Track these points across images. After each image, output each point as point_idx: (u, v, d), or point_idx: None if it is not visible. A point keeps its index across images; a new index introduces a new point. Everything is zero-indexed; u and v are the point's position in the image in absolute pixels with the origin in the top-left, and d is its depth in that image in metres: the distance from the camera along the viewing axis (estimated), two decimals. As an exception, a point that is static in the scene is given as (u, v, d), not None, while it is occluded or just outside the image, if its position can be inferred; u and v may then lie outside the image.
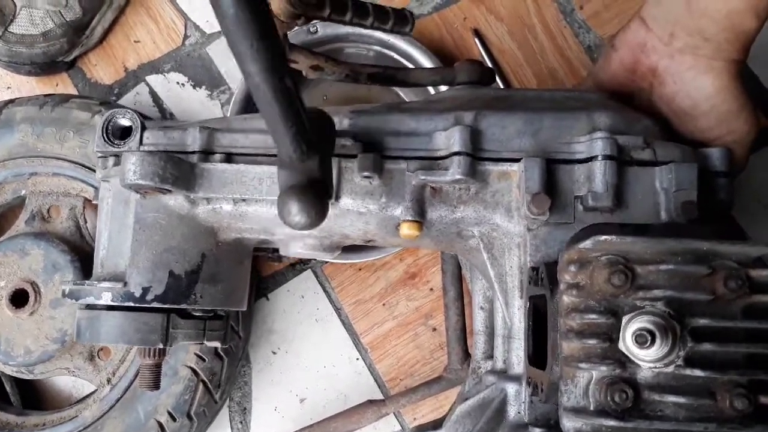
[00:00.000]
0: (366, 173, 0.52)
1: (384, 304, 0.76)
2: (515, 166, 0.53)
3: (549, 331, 0.43)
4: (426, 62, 0.74)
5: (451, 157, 0.52)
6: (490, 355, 0.63)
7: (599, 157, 0.51)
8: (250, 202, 0.55)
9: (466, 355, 0.70)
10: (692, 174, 0.51)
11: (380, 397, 0.73)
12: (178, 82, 0.81)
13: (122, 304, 0.54)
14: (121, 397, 0.69)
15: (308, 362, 0.74)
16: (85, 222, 0.74)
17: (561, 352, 0.41)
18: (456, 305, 0.72)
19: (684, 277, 0.38)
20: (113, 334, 0.55)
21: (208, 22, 0.81)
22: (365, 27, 0.50)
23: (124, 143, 0.55)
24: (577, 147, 0.53)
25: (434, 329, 0.75)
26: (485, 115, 0.54)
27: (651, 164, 0.52)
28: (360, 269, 0.76)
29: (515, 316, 0.53)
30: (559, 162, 0.52)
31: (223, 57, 0.80)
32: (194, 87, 0.81)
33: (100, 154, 0.57)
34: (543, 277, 0.46)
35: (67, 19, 0.75)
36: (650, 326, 0.36)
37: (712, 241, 0.38)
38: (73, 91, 0.81)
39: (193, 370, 0.68)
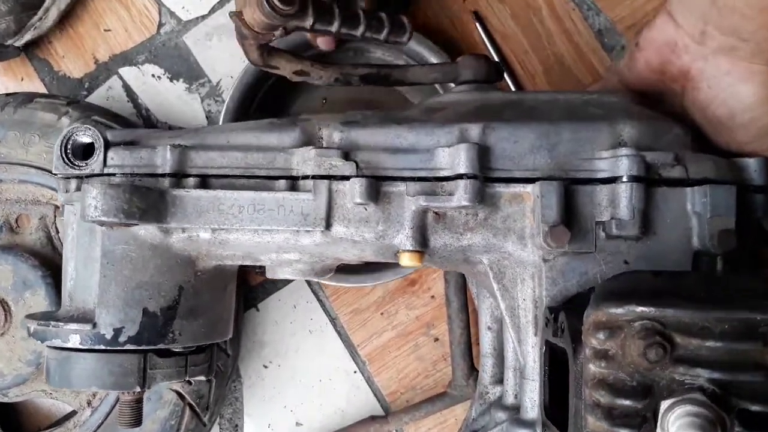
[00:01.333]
0: (360, 201, 0.46)
1: (382, 314, 0.71)
2: (529, 188, 0.47)
3: (571, 396, 0.38)
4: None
5: (456, 180, 0.46)
6: (499, 380, 0.59)
7: (624, 178, 0.45)
8: (230, 229, 0.48)
9: (472, 371, 0.66)
10: (730, 198, 0.45)
11: (380, 412, 0.69)
12: (153, 75, 0.73)
13: (92, 347, 0.49)
14: (103, 422, 0.65)
15: (302, 376, 0.70)
16: (57, 232, 0.67)
17: (586, 426, 0.36)
18: (460, 317, 0.67)
19: (733, 353, 0.33)
20: (85, 378, 0.50)
21: (185, 8, 0.73)
22: (355, 38, 0.42)
23: (86, 164, 0.49)
24: (599, 164, 0.46)
25: (436, 339, 0.70)
26: (494, 128, 0.47)
27: (682, 183, 0.46)
28: (355, 275, 0.71)
29: (529, 354, 0.48)
30: (579, 182, 0.46)
31: (201, 46, 0.73)
32: (171, 80, 0.73)
33: (60, 176, 0.50)
34: (563, 328, 0.40)
35: None
36: (695, 418, 0.31)
37: (765, 310, 0.33)
38: (40, 86, 0.73)
39: (179, 394, 0.63)
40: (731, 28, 0.44)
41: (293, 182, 0.48)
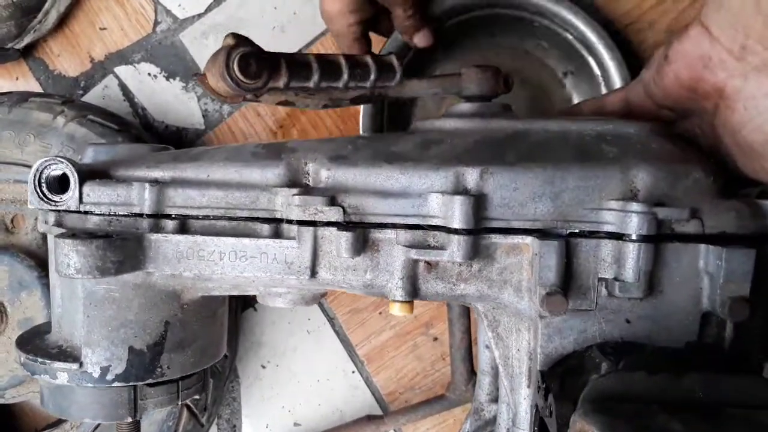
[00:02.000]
0: (345, 255, 0.43)
1: (380, 313, 0.70)
2: (528, 240, 0.43)
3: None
4: (590, 32, 0.64)
5: (449, 234, 0.43)
6: (494, 398, 0.58)
7: (633, 236, 0.42)
8: (212, 275, 0.46)
9: (471, 375, 0.66)
10: (747, 264, 0.41)
11: (378, 412, 0.70)
12: (149, 74, 0.70)
13: (80, 385, 0.48)
14: (100, 423, 0.66)
15: (300, 376, 0.70)
16: (53, 232, 0.66)
17: None
18: (461, 321, 0.65)
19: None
20: (77, 410, 0.50)
21: (181, 6, 0.69)
22: (338, 89, 0.38)
23: (61, 200, 0.46)
24: (606, 216, 0.43)
25: (435, 339, 0.70)
26: (493, 174, 0.43)
27: (696, 239, 0.42)
28: (355, 275, 0.69)
29: (521, 405, 0.46)
30: (583, 235, 0.43)
31: (197, 45, 0.69)
32: (167, 78, 0.70)
33: (38, 210, 0.48)
34: (551, 411, 0.39)
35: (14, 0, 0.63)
36: None
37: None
38: (35, 85, 0.71)
39: (178, 398, 0.64)
40: None
41: (277, 227, 0.45)
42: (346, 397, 0.70)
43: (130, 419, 0.50)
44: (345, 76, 0.38)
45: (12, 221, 0.67)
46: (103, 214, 0.46)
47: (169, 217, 0.46)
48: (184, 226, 0.46)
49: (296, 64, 0.36)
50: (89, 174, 0.47)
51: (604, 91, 0.66)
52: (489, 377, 0.59)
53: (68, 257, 0.42)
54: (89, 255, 0.42)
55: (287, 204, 0.44)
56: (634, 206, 0.41)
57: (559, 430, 0.36)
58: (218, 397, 0.67)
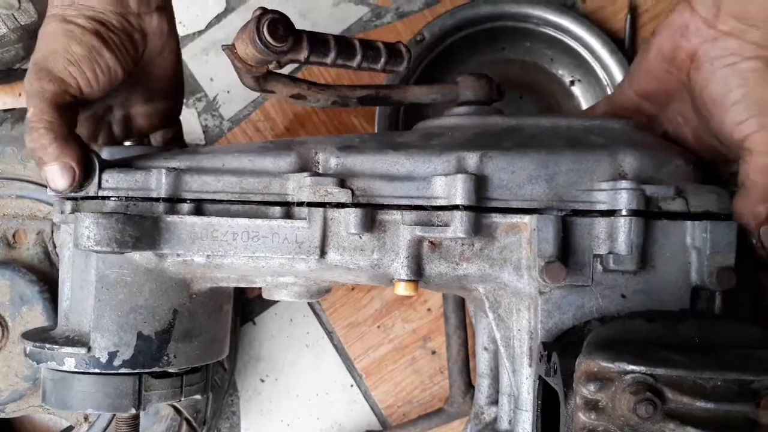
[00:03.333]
0: (354, 231, 0.46)
1: (379, 327, 0.71)
2: (526, 219, 0.46)
3: (562, 439, 0.38)
4: (597, 45, 0.69)
5: (452, 210, 0.45)
6: (494, 401, 0.59)
7: (623, 212, 0.45)
8: (224, 256, 0.48)
9: (469, 388, 0.66)
10: (730, 235, 0.44)
11: (377, 426, 0.69)
12: None
13: (87, 371, 0.49)
14: (101, 436, 0.65)
15: (299, 390, 0.70)
16: (54, 247, 0.68)
17: (577, 472, 0.35)
18: (458, 334, 0.67)
19: (725, 414, 0.32)
20: (80, 399, 0.50)
21: (182, 23, 0.73)
22: (351, 68, 0.42)
23: (81, 188, 0.49)
24: (598, 195, 0.46)
25: (433, 352, 0.70)
26: (492, 158, 0.46)
27: (683, 216, 0.45)
28: (352, 289, 0.71)
29: (523, 385, 0.47)
30: (577, 214, 0.46)
31: (198, 61, 0.72)
32: (167, 93, 0.72)
33: (55, 197, 0.50)
34: (556, 369, 0.40)
35: (22, 23, 0.67)
36: (685, 476, 0.31)
37: (758, 370, 0.32)
38: None
39: (176, 409, 0.64)
40: (743, 13, 0.44)
41: (288, 209, 0.47)
42: (344, 411, 0.70)
43: (133, 410, 0.50)
44: (359, 57, 0.42)
45: (14, 236, 0.68)
46: (120, 198, 0.48)
47: (184, 201, 0.48)
48: (199, 209, 0.48)
49: (316, 39, 0.40)
50: (108, 164, 0.49)
51: (609, 92, 0.69)
52: (488, 380, 0.60)
53: (89, 229, 0.44)
54: (109, 227, 0.44)
55: (299, 187, 0.47)
56: (624, 184, 0.45)
57: (564, 383, 0.38)
58: (217, 410, 0.67)
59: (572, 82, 0.72)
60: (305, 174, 0.47)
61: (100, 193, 0.48)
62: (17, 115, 0.66)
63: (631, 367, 0.32)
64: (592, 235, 0.45)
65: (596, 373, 0.34)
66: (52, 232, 0.67)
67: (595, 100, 0.71)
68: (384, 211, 0.47)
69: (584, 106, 0.72)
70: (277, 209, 0.48)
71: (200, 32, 0.73)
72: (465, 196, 0.45)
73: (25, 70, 0.70)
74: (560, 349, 0.42)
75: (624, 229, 0.44)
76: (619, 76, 0.68)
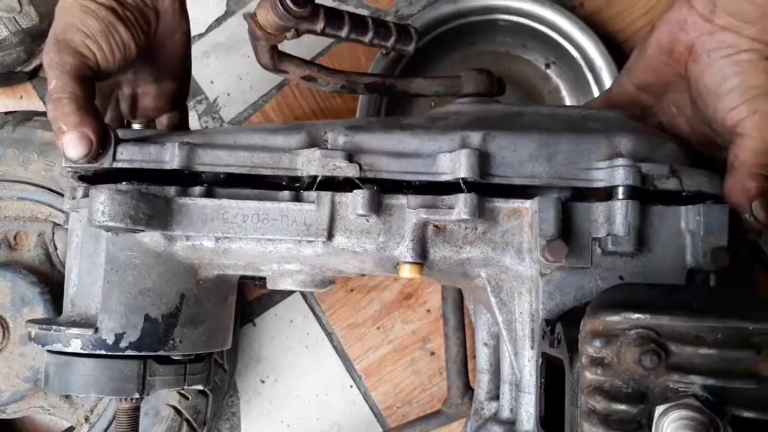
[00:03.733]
0: (362, 212, 0.47)
1: (378, 328, 0.71)
2: (527, 203, 0.48)
3: (567, 404, 0.39)
4: (566, 24, 0.70)
5: (457, 194, 0.47)
6: (494, 396, 0.59)
7: (620, 194, 0.47)
8: (234, 238, 0.49)
9: (467, 389, 0.67)
10: (723, 216, 0.46)
11: (376, 426, 0.69)
12: None
13: (93, 352, 0.49)
14: (100, 437, 0.65)
15: (299, 391, 0.70)
16: (55, 249, 0.68)
17: (582, 433, 0.36)
18: (456, 335, 0.67)
19: (726, 361, 0.33)
20: (84, 383, 0.50)
21: None
22: (363, 43, 0.44)
23: (97, 159, 0.50)
24: (596, 174, 0.48)
25: (432, 353, 0.71)
26: (495, 137, 0.48)
27: (676, 195, 0.47)
28: (352, 290, 0.72)
29: (525, 368, 0.48)
30: (577, 195, 0.48)
31: (199, 64, 0.74)
32: (171, 96, 0.74)
33: (69, 171, 0.50)
34: (560, 338, 0.41)
35: (23, 26, 0.69)
36: (689, 422, 0.32)
37: (757, 319, 0.34)
38: (39, 104, 0.74)
39: (176, 409, 0.64)
40: (739, 11, 0.46)
41: (297, 193, 0.49)
42: (344, 411, 0.70)
43: (137, 395, 0.50)
44: (371, 33, 0.44)
45: (15, 238, 0.69)
46: (133, 176, 0.48)
47: (196, 183, 0.49)
48: (210, 191, 0.49)
49: (332, 13, 0.42)
50: (123, 140, 0.50)
51: (587, 72, 0.71)
52: (488, 375, 0.61)
53: (104, 204, 0.45)
54: (124, 203, 0.45)
55: (308, 161, 0.48)
56: (620, 161, 0.47)
57: (569, 348, 0.39)
58: (217, 411, 0.67)
59: (547, 65, 0.73)
60: (314, 149, 0.48)
61: (115, 165, 0.48)
62: (18, 117, 0.67)
63: (635, 316, 0.33)
64: (591, 219, 0.47)
65: (602, 330, 0.36)
66: (53, 233, 0.68)
67: (573, 80, 0.73)
68: (390, 195, 0.48)
69: (562, 87, 0.74)
70: (287, 193, 0.49)
71: (200, 35, 0.75)
72: (469, 170, 0.46)
73: (26, 73, 0.73)
74: (563, 321, 0.43)
75: (621, 212, 0.46)
76: (591, 51, 0.69)
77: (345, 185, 0.48)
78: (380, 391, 0.70)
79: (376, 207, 0.48)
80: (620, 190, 0.46)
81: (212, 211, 0.48)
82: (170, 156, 0.48)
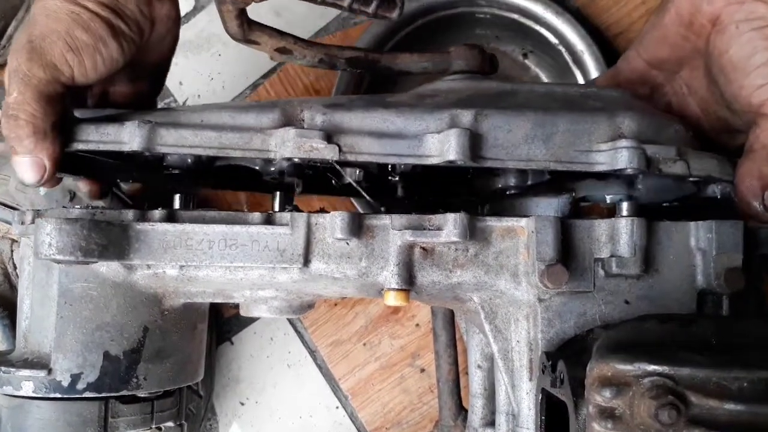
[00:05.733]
0: (341, 235, 0.43)
1: (365, 344, 0.67)
2: (522, 222, 0.44)
3: (573, 456, 0.35)
4: (540, 10, 0.65)
5: (445, 214, 0.43)
6: (489, 422, 0.56)
7: (624, 210, 0.43)
8: (200, 266, 0.45)
9: (460, 410, 0.63)
10: (737, 234, 0.42)
11: (363, 450, 0.66)
12: None
13: (47, 396, 0.44)
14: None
15: (282, 413, 0.66)
16: (14, 268, 0.63)
17: (591, 492, 0.32)
18: (448, 353, 0.63)
19: (756, 416, 0.29)
20: (39, 428, 0.46)
21: None
22: (342, 8, 0.40)
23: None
24: (597, 156, 0.44)
25: (422, 370, 0.67)
26: (487, 116, 0.44)
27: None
28: (335, 305, 0.67)
29: (523, 401, 0.44)
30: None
31: (168, 63, 0.69)
32: (137, 98, 0.69)
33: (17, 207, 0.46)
34: (563, 379, 0.37)
35: None
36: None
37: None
38: None
39: (148, 438, 0.59)
40: None
41: (269, 215, 0.44)
42: (329, 434, 0.66)
43: (98, 440, 0.46)
44: (350, -1, 0.40)
45: (-29, 260, 0.64)
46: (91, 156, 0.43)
47: (158, 153, 0.44)
48: (171, 215, 0.44)
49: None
50: (80, 119, 0.45)
51: (567, 58, 0.66)
52: (482, 399, 0.57)
53: (50, 236, 0.40)
54: (73, 234, 0.40)
55: (282, 142, 0.43)
56: (624, 143, 0.43)
57: (574, 392, 0.35)
58: (192, 437, 0.62)
59: (525, 55, 0.69)
60: (289, 128, 0.43)
61: (70, 149, 0.43)
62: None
63: (652, 368, 0.29)
64: (593, 237, 0.43)
65: (611, 377, 0.32)
66: (12, 251, 0.63)
67: (554, 67, 0.68)
68: (372, 216, 0.44)
69: (542, 76, 0.69)
70: (257, 215, 0.44)
71: (171, 35, 0.70)
72: (459, 151, 0.42)
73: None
74: (565, 357, 0.39)
75: (626, 230, 0.42)
76: (570, 36, 0.65)
77: (323, 176, 0.43)
78: (368, 412, 0.66)
79: (357, 229, 0.43)
80: (624, 206, 0.42)
81: (174, 238, 0.44)
82: (129, 136, 0.43)
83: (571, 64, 0.66)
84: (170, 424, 0.51)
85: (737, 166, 0.45)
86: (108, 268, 0.44)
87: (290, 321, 0.67)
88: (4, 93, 0.42)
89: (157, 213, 0.44)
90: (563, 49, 0.66)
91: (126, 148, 0.43)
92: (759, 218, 0.44)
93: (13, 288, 0.63)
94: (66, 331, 0.45)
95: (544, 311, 0.43)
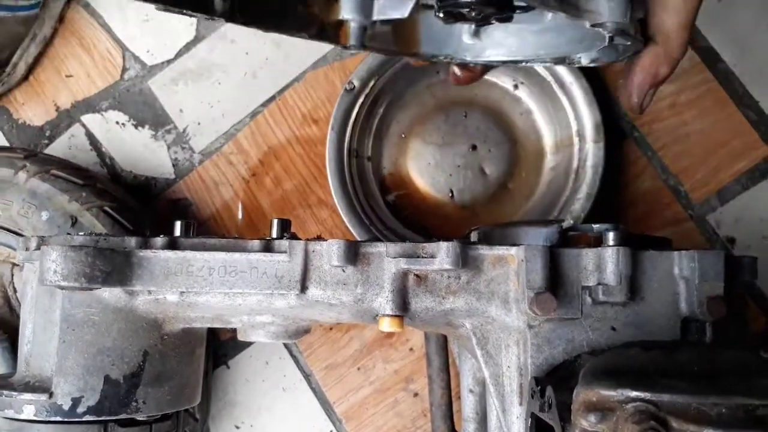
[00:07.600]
0: (337, 263, 0.44)
1: (359, 368, 0.68)
2: (513, 251, 0.45)
3: (561, 479, 0.36)
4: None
5: (438, 242, 0.44)
6: (480, 446, 0.57)
7: (610, 240, 0.44)
8: (200, 292, 0.46)
9: (453, 433, 0.64)
10: (718, 264, 0.44)
11: (357, 474, 0.66)
12: (117, 122, 0.71)
13: (48, 419, 0.45)
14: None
15: (276, 437, 0.67)
16: (14, 291, 0.64)
17: None
18: (441, 377, 0.64)
19: (733, 440, 0.31)
20: (39, 452, 0.46)
21: (149, 52, 0.71)
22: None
23: None
24: None
25: (416, 394, 0.68)
26: None
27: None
28: (331, 329, 0.68)
29: (514, 425, 0.45)
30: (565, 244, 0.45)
31: (167, 92, 0.71)
32: (136, 127, 0.71)
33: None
34: (551, 404, 0.38)
35: None
36: None
37: (762, 394, 0.31)
38: None
39: (143, 461, 0.60)
40: None
41: (267, 243, 0.46)
42: (323, 459, 0.66)
43: (97, 462, 0.47)
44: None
45: (-30, 281, 0.64)
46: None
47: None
48: (173, 243, 0.46)
49: None
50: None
51: (556, 89, 0.67)
52: (474, 424, 0.58)
53: (55, 263, 0.41)
54: (78, 261, 0.41)
55: None
56: None
57: (561, 417, 0.36)
58: (188, 461, 0.63)
59: (516, 86, 0.70)
60: None
61: None
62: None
63: (634, 394, 0.31)
64: (580, 266, 0.45)
65: (596, 402, 0.33)
66: (12, 275, 0.64)
67: (543, 98, 0.69)
68: (368, 244, 0.46)
69: (532, 107, 0.70)
70: (256, 243, 0.46)
71: (169, 61, 0.71)
72: None
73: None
74: (554, 382, 0.40)
75: (612, 259, 0.43)
76: (559, 67, 0.66)
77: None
78: (362, 436, 0.67)
79: (353, 257, 0.45)
80: (611, 236, 0.44)
81: (175, 264, 0.45)
82: None
83: (560, 95, 0.68)
84: (167, 448, 0.51)
85: (641, 53, 0.47)
86: (110, 293, 0.46)
87: (286, 345, 0.68)
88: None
89: (159, 240, 0.46)
90: (552, 81, 0.68)
91: None
92: (633, 110, 0.51)
93: (13, 311, 0.64)
94: (68, 355, 0.46)
95: (534, 337, 0.44)
